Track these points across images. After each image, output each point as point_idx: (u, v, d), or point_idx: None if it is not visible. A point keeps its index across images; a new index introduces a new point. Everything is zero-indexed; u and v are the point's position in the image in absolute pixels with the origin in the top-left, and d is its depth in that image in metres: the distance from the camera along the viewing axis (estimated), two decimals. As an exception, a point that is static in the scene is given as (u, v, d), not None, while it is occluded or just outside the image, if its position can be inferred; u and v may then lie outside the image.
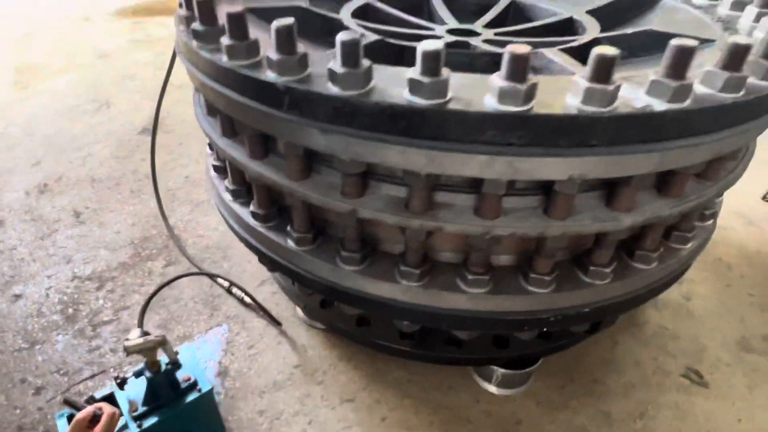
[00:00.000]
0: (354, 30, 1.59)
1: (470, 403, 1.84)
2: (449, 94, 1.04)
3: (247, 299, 2.15)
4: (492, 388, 1.87)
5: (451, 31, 1.77)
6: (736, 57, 1.06)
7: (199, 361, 1.63)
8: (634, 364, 2.01)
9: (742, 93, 1.10)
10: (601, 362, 2.01)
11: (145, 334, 1.42)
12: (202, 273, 2.34)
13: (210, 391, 1.53)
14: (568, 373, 1.96)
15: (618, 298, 1.47)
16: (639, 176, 1.16)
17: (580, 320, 1.51)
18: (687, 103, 1.05)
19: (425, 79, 1.00)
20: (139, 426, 1.41)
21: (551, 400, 1.86)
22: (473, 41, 1.66)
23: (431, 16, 2.04)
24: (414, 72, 1.02)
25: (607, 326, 1.84)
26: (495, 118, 1.01)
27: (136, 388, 1.46)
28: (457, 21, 1.93)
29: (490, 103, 1.02)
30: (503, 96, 0.99)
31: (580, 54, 1.45)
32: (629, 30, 1.68)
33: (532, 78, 1.00)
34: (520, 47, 0.96)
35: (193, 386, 1.52)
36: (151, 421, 1.43)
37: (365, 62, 1.07)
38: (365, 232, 1.42)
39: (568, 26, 1.89)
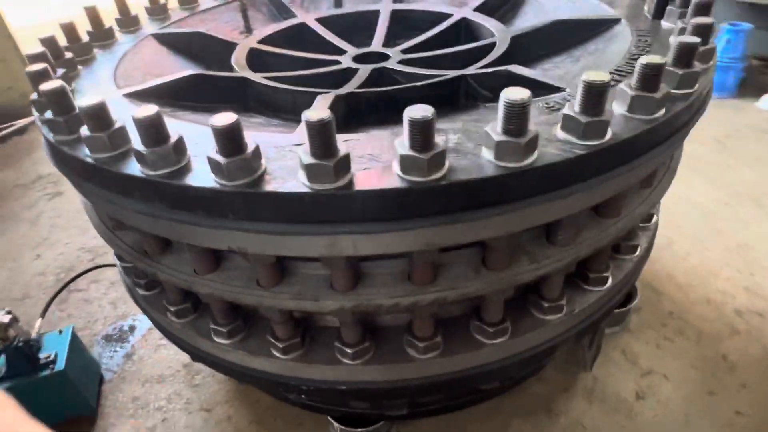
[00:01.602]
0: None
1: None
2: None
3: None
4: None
5: (358, 58, 1.66)
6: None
7: (77, 344, 1.88)
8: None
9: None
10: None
11: (9, 312, 1.68)
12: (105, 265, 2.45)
13: (62, 371, 1.74)
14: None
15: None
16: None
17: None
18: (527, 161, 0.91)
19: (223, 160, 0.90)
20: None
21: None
22: (391, 65, 1.57)
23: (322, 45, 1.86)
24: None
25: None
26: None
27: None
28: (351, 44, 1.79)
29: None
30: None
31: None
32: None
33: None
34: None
35: (50, 364, 1.75)
36: (4, 385, 1.70)
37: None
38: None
39: (462, 28, 1.85)
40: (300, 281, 1.13)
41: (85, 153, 1.04)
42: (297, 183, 0.90)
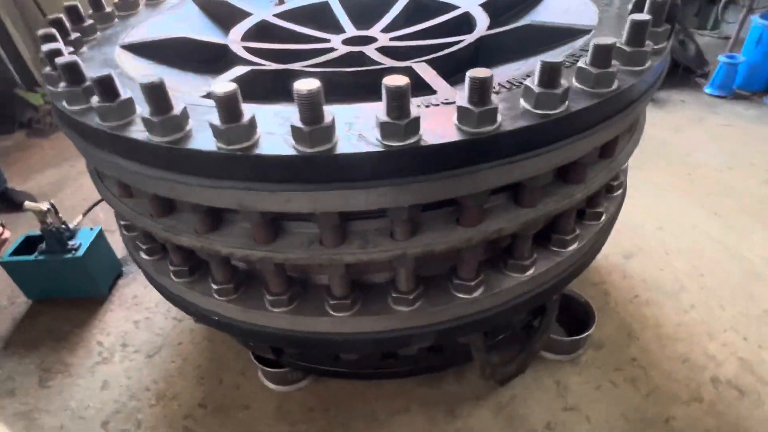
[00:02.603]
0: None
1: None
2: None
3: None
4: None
5: (348, 41, 1.80)
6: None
7: (101, 241, 2.35)
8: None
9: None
10: None
11: (51, 204, 2.18)
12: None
13: (80, 258, 2.21)
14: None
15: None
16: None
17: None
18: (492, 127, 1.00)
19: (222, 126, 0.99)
20: (29, 254, 2.22)
21: None
22: (368, 50, 1.66)
23: (335, 23, 1.99)
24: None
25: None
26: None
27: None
28: (357, 26, 1.91)
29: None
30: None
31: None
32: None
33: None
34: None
35: (74, 250, 2.24)
36: (39, 257, 2.22)
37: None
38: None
39: (464, 22, 1.79)
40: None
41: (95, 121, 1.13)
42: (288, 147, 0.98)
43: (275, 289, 1.31)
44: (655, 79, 1.38)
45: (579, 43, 1.43)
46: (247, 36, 1.83)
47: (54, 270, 2.24)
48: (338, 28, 1.92)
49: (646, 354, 1.95)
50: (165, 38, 1.67)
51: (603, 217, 1.54)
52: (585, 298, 2.03)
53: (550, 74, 1.02)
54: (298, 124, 0.96)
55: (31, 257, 2.23)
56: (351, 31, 1.88)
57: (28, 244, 2.29)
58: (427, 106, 1.12)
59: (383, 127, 0.96)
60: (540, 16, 1.76)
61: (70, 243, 2.24)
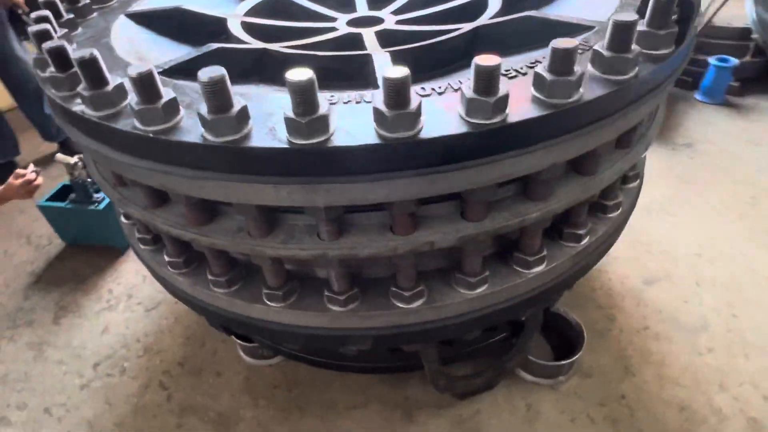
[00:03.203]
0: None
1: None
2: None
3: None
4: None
5: (353, 21, 1.74)
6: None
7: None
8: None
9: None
10: None
11: (80, 158, 2.36)
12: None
13: (101, 211, 2.39)
14: None
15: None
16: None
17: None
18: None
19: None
20: (60, 201, 2.43)
21: None
22: (366, 33, 1.60)
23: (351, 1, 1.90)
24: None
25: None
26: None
27: (77, 190, 2.46)
28: (372, 6, 1.82)
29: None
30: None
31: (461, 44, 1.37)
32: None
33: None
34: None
35: (97, 203, 2.41)
36: (67, 205, 2.42)
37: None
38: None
39: (475, 8, 1.63)
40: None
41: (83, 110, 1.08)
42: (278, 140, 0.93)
43: (215, 270, 1.32)
44: (679, 65, 1.21)
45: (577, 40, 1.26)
46: (255, 11, 1.81)
47: (80, 218, 2.44)
48: (353, 7, 1.85)
49: (638, 393, 1.76)
50: (160, 8, 1.69)
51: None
52: (577, 320, 1.86)
53: (564, 59, 0.92)
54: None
55: (62, 204, 2.44)
56: (363, 10, 1.80)
57: (64, 192, 2.51)
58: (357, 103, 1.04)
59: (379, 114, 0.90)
60: (555, 8, 1.57)
61: (95, 196, 2.42)
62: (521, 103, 0.97)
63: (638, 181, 1.58)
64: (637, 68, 1.03)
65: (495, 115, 0.92)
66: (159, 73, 1.25)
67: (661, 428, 1.65)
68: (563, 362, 1.75)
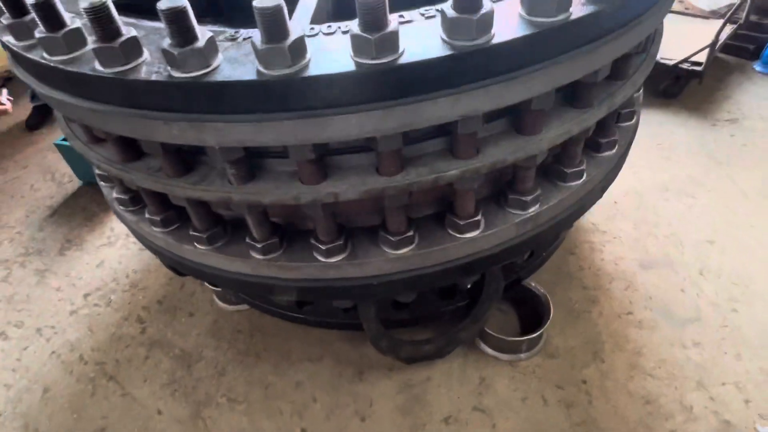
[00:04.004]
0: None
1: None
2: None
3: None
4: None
5: None
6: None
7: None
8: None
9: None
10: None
11: None
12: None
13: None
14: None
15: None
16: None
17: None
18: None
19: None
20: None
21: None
22: None
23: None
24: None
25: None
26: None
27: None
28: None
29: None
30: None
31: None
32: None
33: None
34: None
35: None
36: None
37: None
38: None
39: None
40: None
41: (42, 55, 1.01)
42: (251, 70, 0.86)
43: (151, 209, 1.34)
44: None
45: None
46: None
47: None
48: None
49: (602, 380, 1.64)
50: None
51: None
52: (547, 296, 1.74)
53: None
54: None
55: (74, 144, 2.57)
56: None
57: (79, 133, 2.64)
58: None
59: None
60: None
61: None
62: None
63: (614, 149, 1.42)
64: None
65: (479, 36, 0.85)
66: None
67: (619, 419, 1.54)
68: (521, 338, 1.66)
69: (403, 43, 0.87)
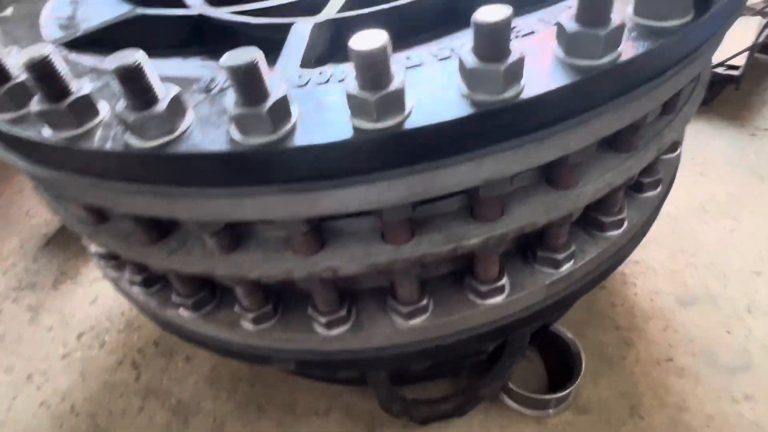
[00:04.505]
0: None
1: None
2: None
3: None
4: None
5: None
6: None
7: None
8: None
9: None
10: None
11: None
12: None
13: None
14: None
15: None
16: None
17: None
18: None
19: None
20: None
21: None
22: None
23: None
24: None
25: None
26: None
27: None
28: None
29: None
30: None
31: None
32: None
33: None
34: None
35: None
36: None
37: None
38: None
39: None
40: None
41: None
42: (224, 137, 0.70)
43: (129, 268, 1.19)
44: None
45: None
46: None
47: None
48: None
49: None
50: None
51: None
52: (576, 343, 1.56)
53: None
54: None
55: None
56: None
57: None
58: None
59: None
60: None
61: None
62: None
63: (658, 188, 1.23)
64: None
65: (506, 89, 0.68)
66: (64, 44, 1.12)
67: (663, 489, 1.36)
68: (549, 396, 1.48)
69: (412, 99, 0.70)
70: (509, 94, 0.69)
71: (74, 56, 1.03)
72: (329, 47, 1.04)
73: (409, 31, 1.00)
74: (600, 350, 1.68)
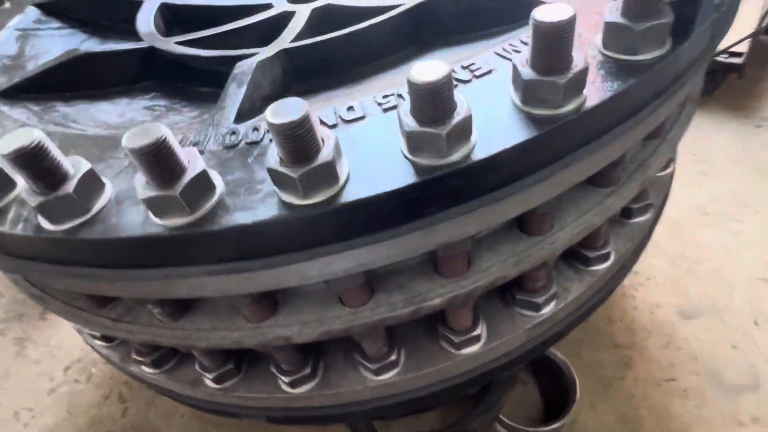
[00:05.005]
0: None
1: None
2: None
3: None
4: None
5: None
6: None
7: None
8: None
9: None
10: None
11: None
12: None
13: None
14: None
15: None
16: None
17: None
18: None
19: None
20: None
21: None
22: (301, 11, 1.20)
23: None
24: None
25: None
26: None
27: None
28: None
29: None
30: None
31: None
32: None
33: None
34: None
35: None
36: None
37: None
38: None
39: None
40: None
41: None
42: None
43: (88, 325, 1.13)
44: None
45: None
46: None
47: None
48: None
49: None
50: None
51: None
52: (571, 370, 1.48)
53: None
54: None
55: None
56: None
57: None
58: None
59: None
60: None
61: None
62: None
63: (648, 213, 1.13)
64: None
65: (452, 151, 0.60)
66: (-2, 94, 1.04)
67: None
68: (542, 429, 1.41)
69: (348, 165, 0.62)
70: (456, 157, 0.60)
71: (6, 109, 0.96)
72: (282, 80, 0.96)
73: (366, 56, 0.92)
74: (597, 371, 1.60)
